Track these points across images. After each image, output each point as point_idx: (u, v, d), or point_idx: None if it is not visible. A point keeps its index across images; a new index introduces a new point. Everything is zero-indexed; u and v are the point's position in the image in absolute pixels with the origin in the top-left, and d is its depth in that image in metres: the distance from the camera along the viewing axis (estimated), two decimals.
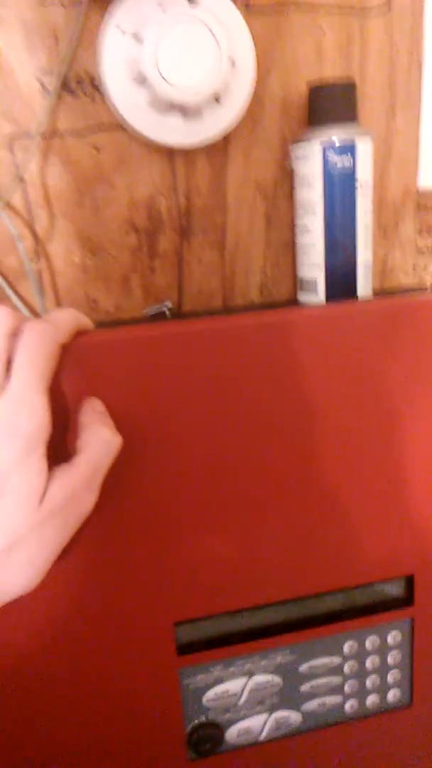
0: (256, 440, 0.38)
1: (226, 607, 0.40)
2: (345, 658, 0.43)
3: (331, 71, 0.47)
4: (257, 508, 0.39)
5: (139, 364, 0.35)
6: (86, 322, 0.35)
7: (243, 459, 0.38)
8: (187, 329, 0.36)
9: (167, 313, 0.48)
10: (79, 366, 0.34)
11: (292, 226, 0.49)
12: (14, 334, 0.31)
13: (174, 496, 0.37)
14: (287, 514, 0.39)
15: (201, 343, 0.36)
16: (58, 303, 0.47)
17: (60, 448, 0.34)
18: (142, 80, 0.41)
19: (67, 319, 0.34)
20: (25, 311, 0.46)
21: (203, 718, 0.42)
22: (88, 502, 0.32)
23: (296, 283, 0.50)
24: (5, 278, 0.46)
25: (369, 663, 0.44)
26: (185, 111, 0.42)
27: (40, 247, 0.46)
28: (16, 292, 0.46)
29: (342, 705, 0.44)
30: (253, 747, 0.43)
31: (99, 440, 0.33)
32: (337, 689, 0.44)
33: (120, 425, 0.35)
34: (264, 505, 0.39)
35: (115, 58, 0.41)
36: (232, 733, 0.42)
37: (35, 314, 0.47)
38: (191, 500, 0.38)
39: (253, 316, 0.37)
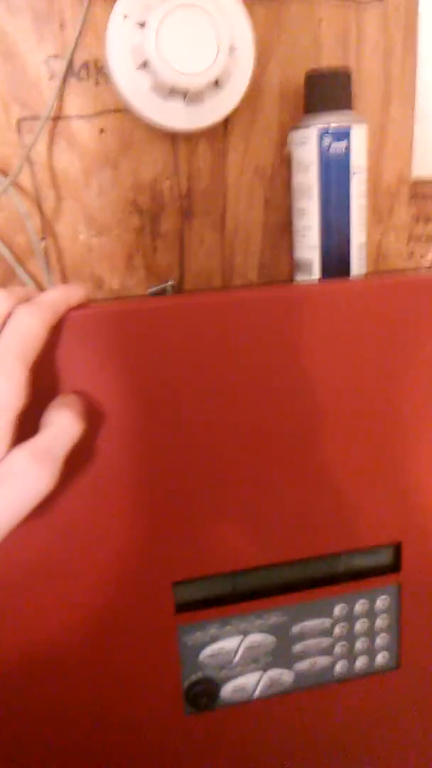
0: (253, 409, 0.40)
1: (223, 569, 0.42)
2: (335, 621, 0.45)
3: (328, 61, 0.49)
4: (253, 474, 0.41)
5: (140, 336, 0.37)
6: (78, 298, 0.36)
7: (241, 427, 0.40)
8: (187, 302, 0.38)
9: (169, 291, 0.50)
10: (81, 337, 0.36)
11: (289, 210, 0.51)
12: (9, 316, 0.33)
13: (174, 460, 0.39)
14: (282, 480, 0.41)
15: (202, 315, 0.38)
16: (65, 280, 0.49)
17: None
18: (145, 65, 0.43)
19: (57, 299, 0.35)
20: (33, 288, 0.48)
21: (200, 675, 0.44)
22: (40, 480, 0.31)
23: (293, 264, 0.52)
24: (15, 255, 0.48)
25: (358, 626, 0.46)
26: (186, 96, 0.44)
27: (47, 226, 0.48)
28: (25, 269, 0.48)
29: (332, 666, 0.46)
30: (247, 704, 0.45)
31: (61, 421, 0.33)
32: (328, 650, 0.46)
33: (119, 391, 0.37)
34: (260, 471, 0.41)
35: (120, 43, 0.43)
36: (227, 690, 0.44)
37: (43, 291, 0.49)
38: (191, 465, 0.40)
39: (253, 291, 0.39)
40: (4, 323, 0.32)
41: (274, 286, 0.42)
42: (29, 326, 0.32)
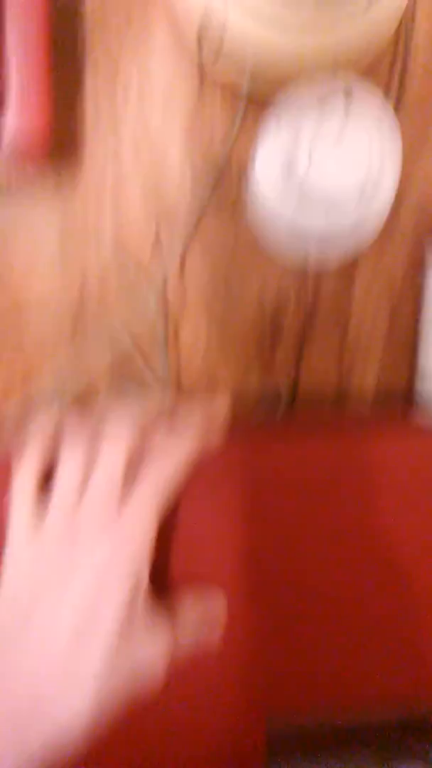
0: (364, 552, 0.38)
1: (322, 705, 0.39)
2: None
3: None
4: (363, 615, 0.38)
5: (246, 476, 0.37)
6: (221, 422, 0.36)
7: (354, 569, 0.38)
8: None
9: (282, 403, 0.49)
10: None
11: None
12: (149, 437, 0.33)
13: (288, 594, 0.37)
14: (394, 623, 0.39)
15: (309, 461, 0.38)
16: (179, 372, 0.49)
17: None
18: (291, 174, 0.42)
19: (202, 434, 0.34)
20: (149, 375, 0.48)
21: None
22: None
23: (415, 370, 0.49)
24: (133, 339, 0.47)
25: None
26: (329, 207, 0.43)
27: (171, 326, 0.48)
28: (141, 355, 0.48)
29: None
30: None
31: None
32: None
33: (226, 523, 0.36)
34: (370, 614, 0.38)
35: (270, 151, 0.43)
36: None
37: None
38: (301, 599, 0.38)
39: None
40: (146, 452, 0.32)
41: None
42: (171, 473, 0.31)
